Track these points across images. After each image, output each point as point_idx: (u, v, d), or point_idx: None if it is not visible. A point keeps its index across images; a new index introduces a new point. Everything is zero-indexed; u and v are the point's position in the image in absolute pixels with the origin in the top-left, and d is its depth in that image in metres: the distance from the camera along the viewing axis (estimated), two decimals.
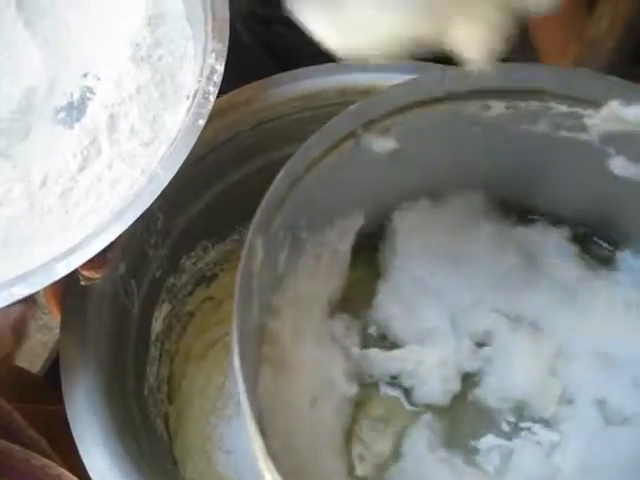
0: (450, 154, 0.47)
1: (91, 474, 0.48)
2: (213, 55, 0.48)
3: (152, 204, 0.56)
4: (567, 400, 0.47)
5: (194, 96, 0.48)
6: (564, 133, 0.45)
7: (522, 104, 0.44)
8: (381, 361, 0.47)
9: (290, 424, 0.42)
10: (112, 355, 0.54)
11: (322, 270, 0.47)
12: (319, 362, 0.45)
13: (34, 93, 0.52)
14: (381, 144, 0.44)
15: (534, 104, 0.44)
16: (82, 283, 0.52)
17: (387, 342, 0.49)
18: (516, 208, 0.50)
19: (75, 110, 0.52)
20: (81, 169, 0.49)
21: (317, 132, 0.42)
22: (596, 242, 0.52)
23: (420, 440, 0.46)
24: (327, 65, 0.61)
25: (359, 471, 0.46)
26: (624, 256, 0.50)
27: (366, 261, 0.50)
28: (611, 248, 0.51)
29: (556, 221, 0.50)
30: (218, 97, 0.61)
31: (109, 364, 0.53)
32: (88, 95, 0.52)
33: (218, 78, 0.48)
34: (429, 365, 0.47)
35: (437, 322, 0.48)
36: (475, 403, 0.48)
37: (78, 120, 0.51)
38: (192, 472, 0.59)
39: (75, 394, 0.50)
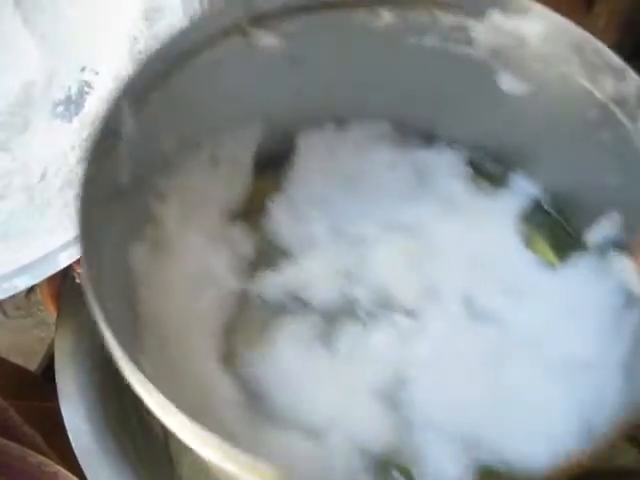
0: (347, 70, 0.47)
1: (85, 472, 0.48)
2: None
3: None
4: (433, 294, 0.47)
5: None
6: (452, 47, 0.45)
7: (410, 14, 0.44)
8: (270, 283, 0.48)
9: (165, 304, 0.42)
10: (107, 352, 0.53)
11: (221, 174, 0.48)
12: (203, 252, 0.45)
13: (32, 87, 0.53)
14: (271, 41, 0.44)
15: (422, 14, 0.44)
16: (77, 281, 0.53)
17: (275, 249, 0.50)
18: (419, 133, 0.51)
19: (73, 104, 0.53)
20: (80, 161, 0.49)
21: (199, 18, 0.43)
22: (490, 164, 0.52)
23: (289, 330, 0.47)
24: None
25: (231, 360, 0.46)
26: (515, 177, 0.51)
27: (272, 178, 0.51)
28: (503, 169, 0.52)
29: (454, 144, 0.51)
30: None
31: (104, 361, 0.52)
32: (86, 89, 0.53)
33: None
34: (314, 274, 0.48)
35: (320, 230, 0.49)
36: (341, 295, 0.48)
37: (77, 114, 0.52)
38: (188, 470, 0.57)
39: (69, 391, 0.50)
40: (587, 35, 0.43)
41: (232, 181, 0.48)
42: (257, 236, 0.49)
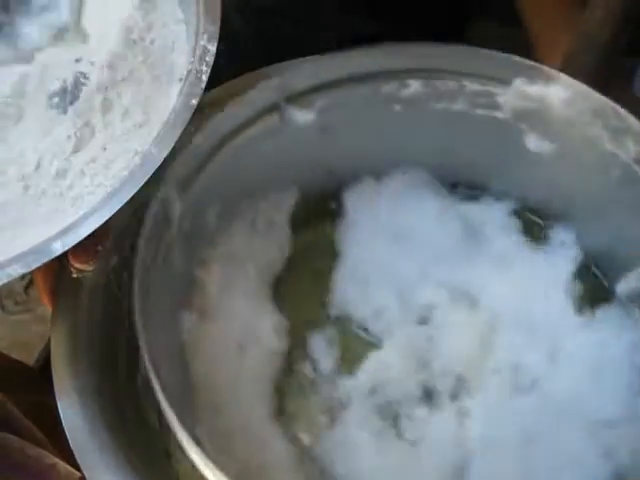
0: (379, 132, 0.49)
1: (81, 465, 0.48)
2: (205, 36, 0.49)
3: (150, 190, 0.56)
4: (491, 369, 0.49)
5: (186, 77, 0.48)
6: (480, 111, 0.47)
7: (438, 83, 0.46)
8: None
9: (215, 371, 0.44)
10: (104, 347, 0.53)
11: (259, 236, 0.49)
12: (247, 315, 0.47)
13: (27, 79, 0.52)
14: (305, 117, 0.45)
15: (449, 83, 0.46)
16: (74, 275, 0.52)
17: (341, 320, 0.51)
18: (461, 184, 0.53)
19: (69, 95, 0.52)
20: (75, 151, 0.50)
21: (238, 101, 0.44)
22: (533, 217, 0.54)
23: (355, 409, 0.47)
24: (322, 56, 0.61)
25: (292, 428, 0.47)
26: (557, 230, 0.53)
27: (313, 235, 0.52)
28: (546, 222, 0.54)
29: (498, 196, 0.53)
30: (212, 89, 0.61)
31: (101, 356, 0.53)
32: (82, 80, 0.53)
33: (210, 58, 0.48)
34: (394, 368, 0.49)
35: (386, 300, 0.50)
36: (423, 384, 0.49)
37: (72, 104, 0.52)
38: (185, 465, 0.58)
39: (65, 386, 0.50)
40: (608, 101, 0.45)
41: (271, 243, 0.48)
42: (306, 299, 0.50)
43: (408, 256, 0.51)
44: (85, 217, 0.45)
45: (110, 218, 0.51)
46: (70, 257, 0.51)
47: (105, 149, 0.49)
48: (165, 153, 0.46)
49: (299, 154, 0.48)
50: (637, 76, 0.77)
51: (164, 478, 0.54)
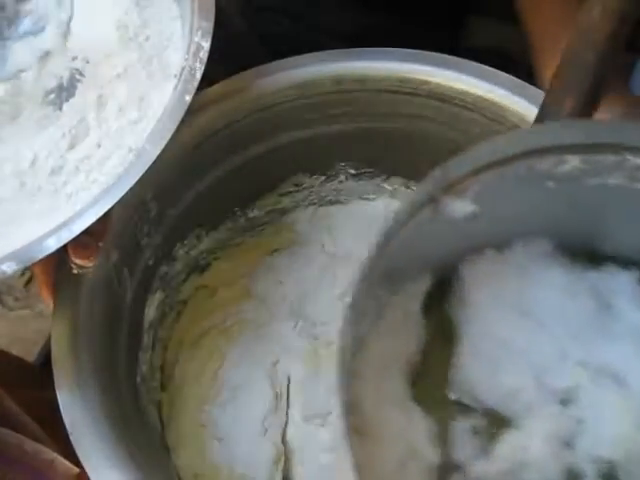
0: (519, 207, 0.46)
1: (82, 460, 0.48)
2: (199, 33, 0.49)
3: (145, 194, 0.57)
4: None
5: (181, 73, 0.48)
6: (636, 184, 0.45)
7: (598, 158, 0.43)
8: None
9: None
10: (104, 342, 0.53)
11: (398, 332, 0.46)
12: (402, 429, 0.44)
13: (24, 76, 0.53)
14: (458, 207, 0.43)
15: (610, 157, 0.43)
16: (74, 272, 0.52)
17: (468, 405, 0.47)
18: (583, 252, 0.49)
19: (65, 92, 0.52)
20: (70, 148, 0.50)
21: (403, 202, 0.41)
22: None
23: None
24: (322, 53, 0.61)
25: None
26: None
27: (436, 318, 0.48)
28: None
29: (625, 264, 0.49)
30: (211, 85, 0.62)
31: (101, 351, 0.53)
32: (77, 77, 0.53)
33: (204, 55, 0.48)
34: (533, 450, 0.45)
35: (521, 382, 0.46)
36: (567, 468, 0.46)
37: (67, 101, 0.52)
38: (185, 459, 0.59)
39: (66, 381, 0.50)
40: None
41: (408, 336, 0.46)
42: (441, 390, 0.47)
43: (540, 333, 0.47)
44: (79, 213, 0.45)
45: (108, 214, 0.51)
46: (70, 253, 0.51)
47: (100, 146, 0.49)
48: (159, 150, 0.46)
49: (441, 241, 0.46)
50: (636, 72, 0.77)
51: (164, 472, 0.54)
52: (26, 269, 0.97)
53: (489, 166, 0.43)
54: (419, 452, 0.43)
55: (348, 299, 0.40)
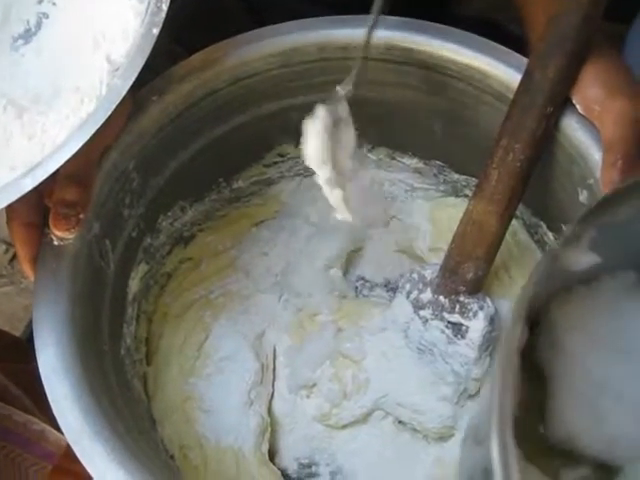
0: (615, 246, 0.45)
1: (65, 432, 0.48)
2: None
3: (127, 164, 0.56)
4: None
5: (147, 7, 0.49)
6: None
7: None
8: None
9: None
10: (86, 315, 0.53)
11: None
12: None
13: None
14: (579, 259, 0.43)
15: None
16: (55, 243, 0.52)
17: (571, 453, 0.45)
18: None
19: (33, 36, 0.52)
20: (43, 89, 0.50)
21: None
22: None
23: None
24: (305, 20, 0.60)
25: None
26: None
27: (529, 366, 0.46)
28: None
29: None
30: (194, 53, 0.61)
31: (83, 324, 0.52)
32: (44, 20, 0.53)
33: None
34: None
35: (625, 428, 0.44)
36: None
37: (35, 42, 0.52)
38: (171, 432, 0.59)
39: (47, 354, 0.49)
40: None
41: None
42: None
43: (637, 370, 0.44)
44: (52, 152, 0.45)
45: (89, 184, 0.51)
46: (51, 225, 0.51)
47: (73, 85, 0.49)
48: (129, 83, 0.46)
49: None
50: (627, 43, 0.76)
51: (148, 443, 0.54)
52: (9, 246, 0.96)
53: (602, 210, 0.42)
54: None
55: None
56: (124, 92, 0.46)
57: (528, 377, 0.45)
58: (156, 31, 0.47)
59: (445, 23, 0.59)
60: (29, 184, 0.45)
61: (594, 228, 0.42)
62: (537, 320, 0.47)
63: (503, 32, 0.77)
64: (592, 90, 0.52)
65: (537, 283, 0.39)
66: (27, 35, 0.53)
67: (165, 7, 0.48)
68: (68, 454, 0.53)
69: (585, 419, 0.44)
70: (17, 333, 0.88)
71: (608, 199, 0.42)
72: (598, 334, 0.46)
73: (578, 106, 0.53)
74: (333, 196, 0.53)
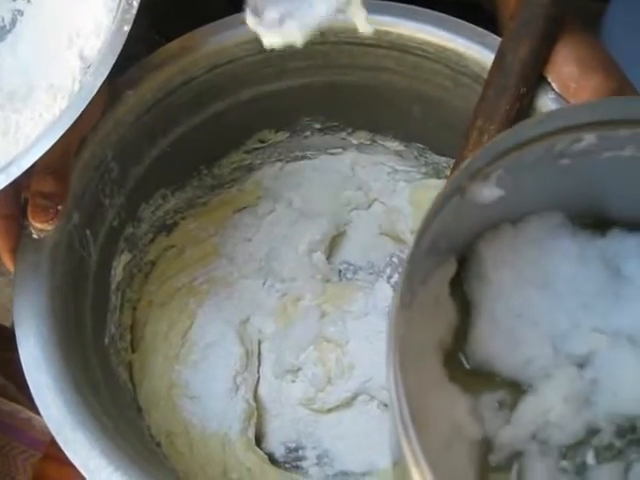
0: (533, 185, 0.48)
1: (47, 423, 0.48)
2: None
3: (105, 153, 0.56)
4: None
5: (119, 4, 0.49)
6: None
7: (612, 133, 0.45)
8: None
9: None
10: (68, 305, 0.53)
11: (430, 318, 0.47)
12: (445, 409, 0.45)
13: None
14: (485, 193, 0.44)
15: (624, 132, 0.45)
16: (34, 236, 0.52)
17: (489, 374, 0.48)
18: (592, 221, 0.51)
19: (8, 34, 0.53)
20: (17, 87, 0.50)
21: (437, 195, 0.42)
22: None
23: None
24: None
25: None
26: None
27: (460, 298, 0.49)
28: None
29: (631, 228, 0.50)
30: (170, 40, 0.61)
31: (65, 315, 0.52)
32: (19, 18, 0.53)
33: None
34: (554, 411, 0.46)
35: (538, 350, 0.48)
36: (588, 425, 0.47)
37: (10, 36, 0.53)
38: (157, 419, 0.59)
39: (28, 345, 0.50)
40: None
41: (438, 321, 0.47)
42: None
43: (555, 303, 0.48)
44: (27, 149, 0.46)
45: (66, 175, 0.51)
46: (30, 217, 0.51)
47: (46, 81, 0.49)
48: (100, 81, 0.46)
49: (465, 226, 0.47)
50: (605, 22, 0.76)
51: (133, 431, 0.54)
52: None
53: (509, 150, 0.44)
54: (463, 430, 0.44)
55: (402, 269, 0.40)
56: (96, 90, 0.46)
57: (459, 308, 0.48)
58: (127, 28, 0.47)
59: (424, 4, 0.59)
60: (3, 181, 0.45)
61: (501, 169, 0.44)
62: (466, 256, 0.50)
63: (483, 13, 0.76)
64: (567, 68, 0.52)
65: (439, 212, 0.42)
66: (1, 32, 0.53)
67: (136, 4, 0.48)
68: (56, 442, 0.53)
69: (503, 343, 0.48)
70: (7, 324, 0.88)
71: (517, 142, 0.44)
72: (522, 269, 0.49)
73: (553, 84, 0.53)
74: None
